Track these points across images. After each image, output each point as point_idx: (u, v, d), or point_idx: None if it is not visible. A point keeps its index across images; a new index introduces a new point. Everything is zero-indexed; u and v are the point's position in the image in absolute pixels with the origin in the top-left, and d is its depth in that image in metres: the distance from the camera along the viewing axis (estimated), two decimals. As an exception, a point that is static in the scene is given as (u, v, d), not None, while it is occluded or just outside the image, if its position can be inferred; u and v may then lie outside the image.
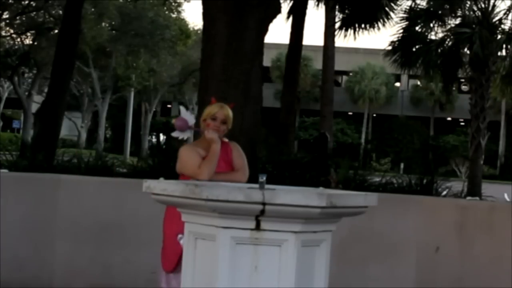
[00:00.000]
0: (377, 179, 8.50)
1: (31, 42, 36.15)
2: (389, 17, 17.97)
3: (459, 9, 19.51)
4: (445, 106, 53.26)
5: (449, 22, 19.42)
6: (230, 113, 5.01)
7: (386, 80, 55.62)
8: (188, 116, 5.17)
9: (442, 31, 19.34)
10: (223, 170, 4.97)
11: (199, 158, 4.91)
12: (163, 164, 7.92)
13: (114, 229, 7.04)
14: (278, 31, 78.78)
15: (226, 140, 5.02)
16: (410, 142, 51.19)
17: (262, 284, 3.63)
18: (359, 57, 54.97)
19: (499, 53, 19.64)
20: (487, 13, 19.48)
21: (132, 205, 6.98)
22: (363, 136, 55.52)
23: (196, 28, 42.68)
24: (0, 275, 6.71)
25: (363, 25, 17.85)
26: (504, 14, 19.66)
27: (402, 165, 42.04)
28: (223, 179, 4.73)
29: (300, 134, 51.73)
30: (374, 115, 56.80)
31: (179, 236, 4.75)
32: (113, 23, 37.34)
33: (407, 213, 6.99)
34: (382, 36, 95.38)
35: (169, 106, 60.30)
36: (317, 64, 42.95)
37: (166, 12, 38.58)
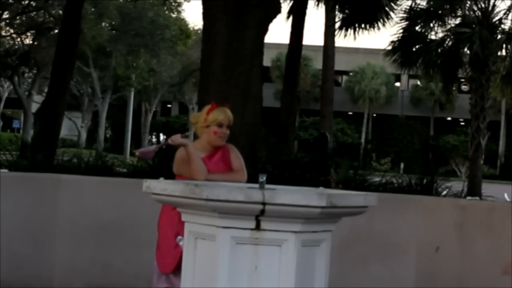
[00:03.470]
0: (377, 179, 8.50)
1: (31, 42, 36.10)
2: (389, 17, 17.96)
3: (459, 9, 19.50)
4: (445, 106, 53.23)
5: (449, 22, 19.41)
6: (232, 115, 5.06)
7: (386, 80, 55.58)
8: (148, 148, 5.23)
9: (442, 31, 19.34)
10: (222, 170, 4.99)
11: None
12: (163, 164, 7.91)
13: (114, 229, 7.04)
14: (278, 31, 78.73)
15: (223, 142, 5.07)
16: (410, 142, 51.16)
17: (262, 284, 3.63)
18: (359, 57, 54.93)
19: (499, 53, 19.62)
20: (487, 13, 19.47)
21: (132, 205, 6.98)
22: (363, 136, 55.48)
23: (196, 28, 42.65)
24: (0, 275, 6.71)
25: (363, 25, 17.84)
26: (504, 14, 19.66)
27: (402, 165, 42.03)
28: (223, 179, 4.74)
29: (300, 134, 51.70)
30: (374, 115, 56.76)
31: (179, 237, 4.75)
32: (113, 23, 37.31)
33: (407, 213, 6.99)
34: (382, 36, 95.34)
35: (169, 106, 60.30)
36: (317, 64, 42.93)
37: (166, 12, 38.55)
